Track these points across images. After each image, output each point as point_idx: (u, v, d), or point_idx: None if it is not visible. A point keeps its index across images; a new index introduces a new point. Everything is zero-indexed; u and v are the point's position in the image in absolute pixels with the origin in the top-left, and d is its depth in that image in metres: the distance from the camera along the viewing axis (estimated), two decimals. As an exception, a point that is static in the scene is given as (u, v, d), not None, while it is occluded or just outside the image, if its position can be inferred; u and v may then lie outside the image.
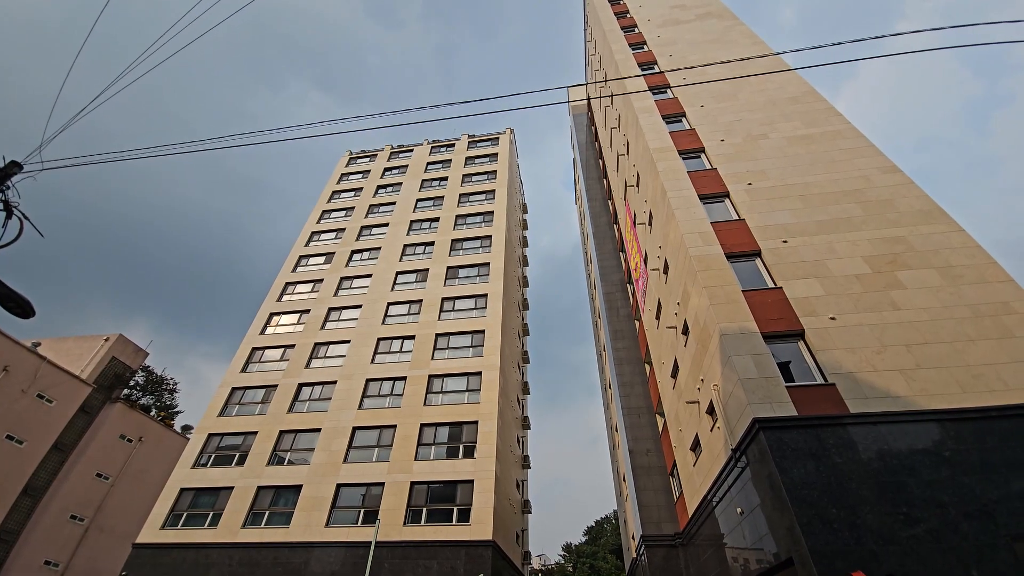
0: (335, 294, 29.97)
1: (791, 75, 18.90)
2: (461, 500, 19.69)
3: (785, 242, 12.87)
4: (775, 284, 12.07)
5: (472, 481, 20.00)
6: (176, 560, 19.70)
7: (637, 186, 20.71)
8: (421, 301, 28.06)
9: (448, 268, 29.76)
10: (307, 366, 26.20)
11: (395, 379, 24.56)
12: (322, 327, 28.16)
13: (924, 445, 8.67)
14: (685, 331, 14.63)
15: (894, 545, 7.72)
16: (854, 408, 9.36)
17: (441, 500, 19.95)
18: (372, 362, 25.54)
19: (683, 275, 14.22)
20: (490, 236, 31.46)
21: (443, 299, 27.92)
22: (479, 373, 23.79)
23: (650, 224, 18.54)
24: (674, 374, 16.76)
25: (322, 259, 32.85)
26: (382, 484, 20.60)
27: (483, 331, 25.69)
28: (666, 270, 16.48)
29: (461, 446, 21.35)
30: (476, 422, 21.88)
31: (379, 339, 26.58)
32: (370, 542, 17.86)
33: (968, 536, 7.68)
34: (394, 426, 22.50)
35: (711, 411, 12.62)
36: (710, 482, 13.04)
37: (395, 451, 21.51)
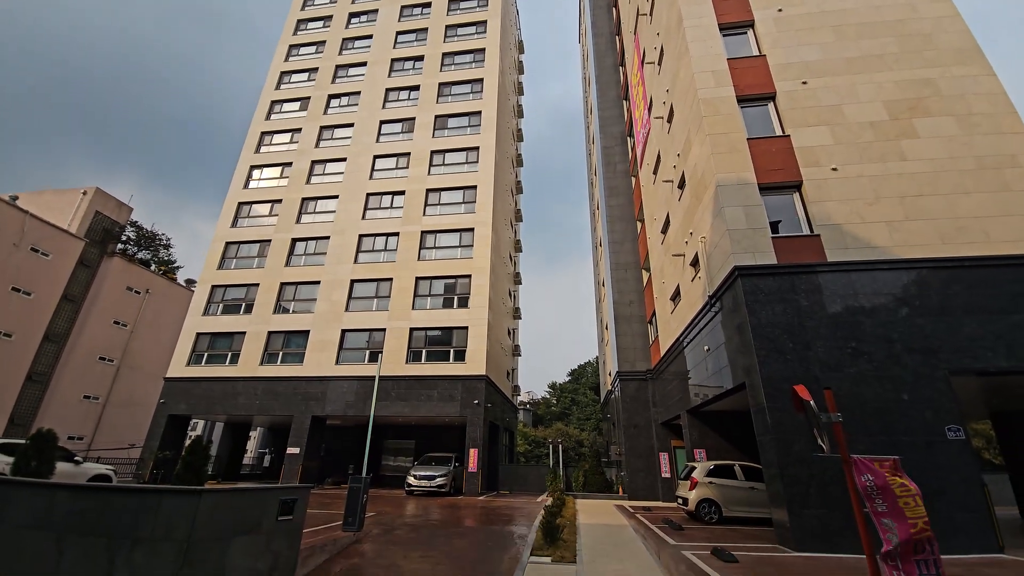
0: (316, 145, 28.16)
1: None
2: (457, 343, 21.59)
3: (805, 83, 11.67)
4: (783, 132, 11.32)
5: (467, 327, 21.66)
6: (207, 389, 22.31)
7: (650, 14, 17.94)
8: (409, 154, 26.59)
9: (436, 117, 27.48)
10: (298, 221, 26.01)
11: (388, 235, 24.68)
12: (307, 181, 27.14)
13: (889, 291, 9.20)
14: (681, 184, 14.24)
15: (837, 372, 8.74)
16: (832, 258, 9.66)
17: (439, 343, 21.86)
18: (363, 218, 25.32)
19: (688, 122, 13.23)
20: (481, 80, 28.34)
21: (432, 152, 26.44)
22: (471, 229, 23.86)
23: (659, 63, 16.57)
24: (664, 229, 16.88)
25: (296, 105, 30.00)
26: (383, 330, 22.30)
27: (475, 187, 24.97)
28: (670, 118, 15.29)
29: (456, 297, 22.56)
30: (469, 276, 22.74)
31: (368, 194, 25.90)
32: (377, 376, 20.14)
33: (908, 367, 8.66)
34: (390, 279, 23.39)
35: (695, 263, 13.03)
36: (684, 326, 14.17)
37: (393, 301, 22.76)
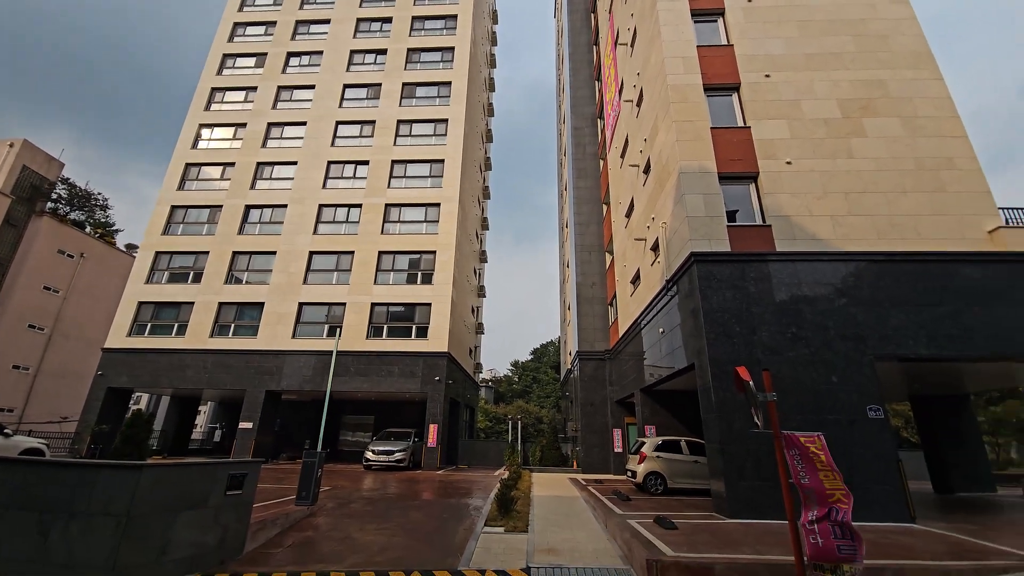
0: (273, 106, 26.52)
1: None
2: (419, 320, 21.41)
3: (768, 76, 11.99)
4: (745, 123, 11.64)
5: (430, 304, 21.48)
6: (151, 362, 21.16)
7: (625, -5, 17.75)
8: (374, 122, 25.54)
9: (404, 85, 26.41)
10: (252, 187, 24.63)
11: (350, 206, 23.84)
12: (263, 145, 25.63)
13: (828, 281, 9.82)
14: (647, 170, 14.46)
15: (778, 356, 9.33)
16: (781, 248, 10.17)
17: (401, 319, 21.60)
18: (324, 187, 24.29)
19: (656, 107, 13.35)
20: (452, 49, 27.37)
21: (399, 121, 25.50)
22: (437, 205, 23.41)
23: (632, 45, 16.52)
24: (628, 213, 17.18)
25: (252, 61, 27.98)
26: (344, 304, 21.76)
27: (442, 160, 24.39)
28: (640, 102, 15.37)
29: (420, 273, 22.24)
30: (434, 252, 22.43)
31: (329, 162, 24.80)
32: (339, 351, 19.71)
33: (840, 352, 9.34)
34: (352, 252, 22.73)
35: (655, 247, 13.39)
36: (642, 308, 14.64)
37: (354, 275, 22.18)
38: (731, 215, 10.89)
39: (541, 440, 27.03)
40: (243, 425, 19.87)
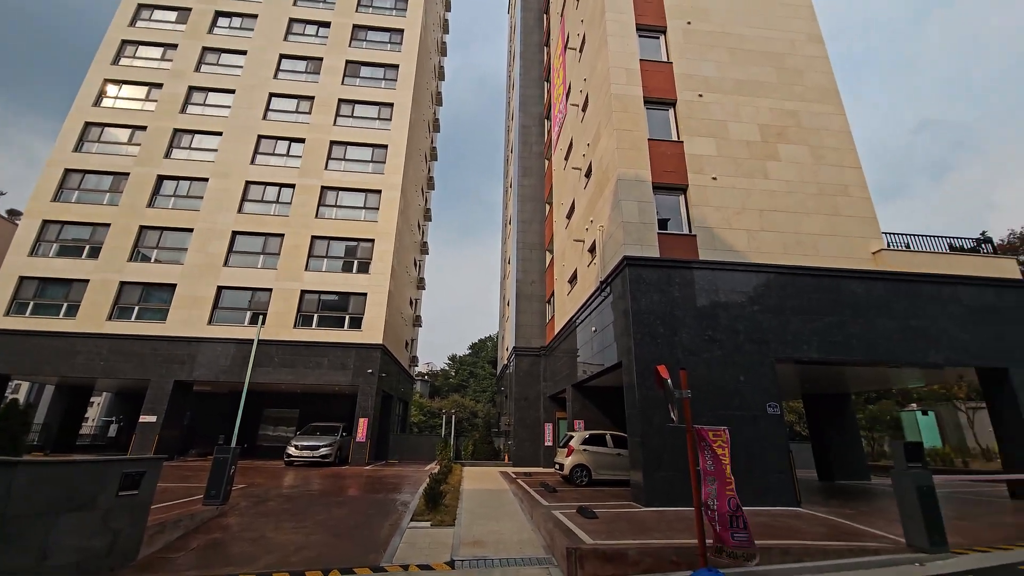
0: (197, 69, 24.12)
1: None
2: (354, 310, 20.59)
3: (701, 96, 12.85)
4: (679, 138, 12.41)
5: (365, 294, 20.72)
6: (33, 345, 18.51)
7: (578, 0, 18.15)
8: (313, 99, 24.07)
9: (348, 63, 25.13)
10: (167, 156, 22.29)
11: (282, 185, 22.34)
12: (183, 110, 23.25)
13: (742, 289, 10.77)
14: (588, 174, 14.95)
15: (695, 356, 10.10)
16: (703, 256, 10.99)
17: (333, 309, 20.64)
18: (253, 162, 22.53)
19: (600, 114, 13.83)
20: (402, 31, 26.46)
21: (340, 100, 24.24)
22: (378, 192, 22.60)
23: (581, 50, 16.95)
24: (569, 215, 17.67)
25: (172, 15, 25.23)
26: (270, 290, 20.38)
27: (385, 146, 23.56)
28: (585, 107, 15.83)
29: (356, 261, 21.36)
30: (372, 240, 21.65)
31: (260, 136, 23.05)
32: (262, 340, 18.43)
33: (747, 354, 10.29)
34: (282, 235, 21.33)
35: (592, 249, 13.91)
36: (578, 307, 15.16)
37: (283, 260, 20.84)
38: (662, 223, 11.58)
39: (474, 434, 27.16)
40: (145, 419, 18.00)
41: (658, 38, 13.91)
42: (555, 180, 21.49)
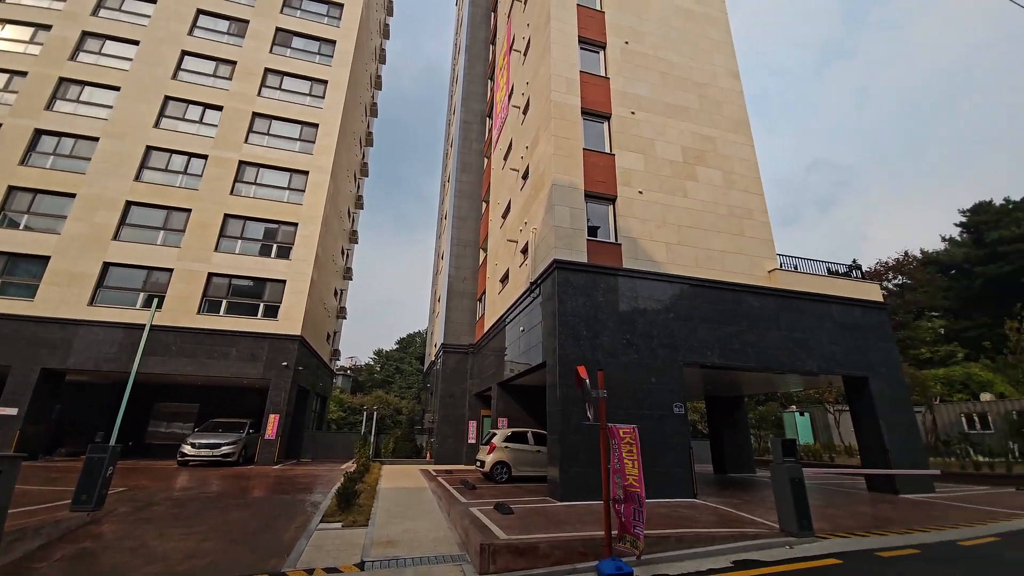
0: (94, 12, 21.05)
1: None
2: (270, 297, 19.15)
3: (633, 113, 13.62)
4: (611, 151, 13.04)
5: (284, 281, 19.36)
6: None
7: (524, 3, 18.36)
8: (235, 63, 22.01)
9: (278, 30, 23.30)
10: (49, 107, 19.22)
11: (192, 155, 20.18)
12: (72, 57, 20.17)
13: (658, 298, 11.59)
14: (525, 176, 15.20)
15: (614, 358, 10.69)
16: (627, 264, 11.67)
17: (247, 295, 19.03)
18: (157, 125, 20.11)
19: (540, 119, 14.12)
20: (342, 5, 25.05)
21: (267, 70, 22.42)
22: (305, 173, 21.23)
23: (525, 54, 17.18)
24: (505, 214, 17.85)
25: (64, -54, 21.73)
26: (170, 270, 18.32)
27: (316, 125, 22.18)
28: (526, 110, 16.08)
29: (276, 245, 19.88)
30: (296, 224, 20.28)
31: (167, 97, 20.65)
32: (158, 326, 16.48)
33: (660, 358, 11.09)
34: (188, 210, 19.27)
35: (525, 250, 14.17)
36: (507, 306, 15.37)
37: (189, 238, 18.84)
38: (592, 230, 12.11)
39: (396, 431, 26.46)
40: (3, 411, 15.36)
41: (598, 53, 14.51)
42: (493, 179, 21.59)
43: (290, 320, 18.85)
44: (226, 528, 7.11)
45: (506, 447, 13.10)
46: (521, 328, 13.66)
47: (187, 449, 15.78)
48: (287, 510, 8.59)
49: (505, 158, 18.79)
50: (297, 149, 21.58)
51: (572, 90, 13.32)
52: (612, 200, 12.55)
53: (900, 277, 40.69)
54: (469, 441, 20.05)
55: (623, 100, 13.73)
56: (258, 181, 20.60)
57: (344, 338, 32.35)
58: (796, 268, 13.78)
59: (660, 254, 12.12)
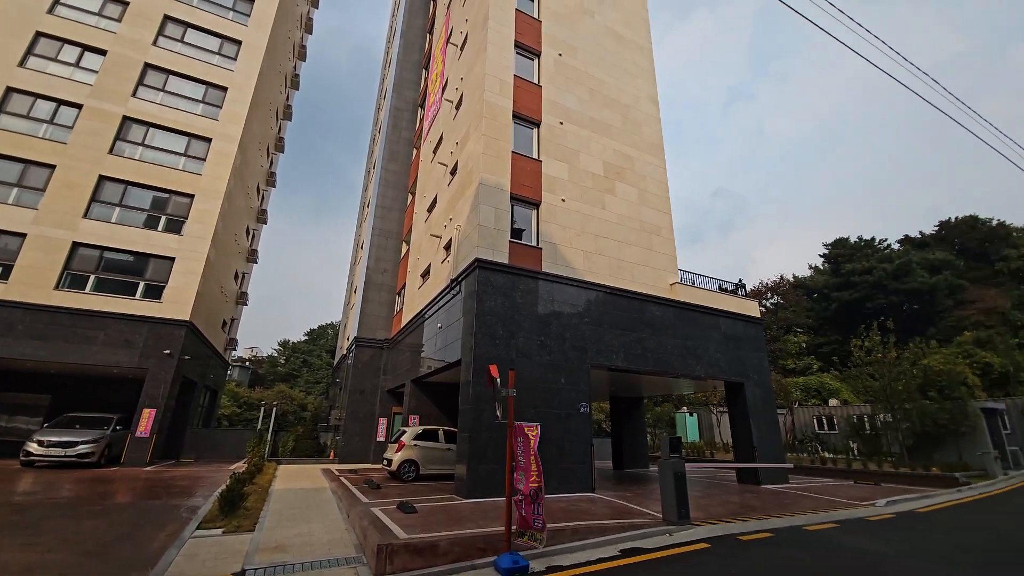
0: (-72, -91, 16.97)
1: (638, -34, 18.90)
2: (154, 276, 16.89)
3: (561, 124, 14.13)
4: (538, 157, 13.42)
5: (173, 259, 17.20)
6: None
7: (464, -2, 18.20)
8: (128, 4, 19.11)
9: (184, -24, 20.61)
10: None
11: (63, 103, 17.19)
12: None
13: (573, 302, 12.16)
14: (454, 171, 15.08)
15: (528, 359, 11.01)
16: (546, 268, 12.09)
17: (124, 271, 16.60)
18: (23, 65, 16.83)
19: (471, 116, 14.09)
20: (264, -37, 22.82)
21: (167, 17, 19.80)
22: (208, 140, 19.05)
23: (462, 48, 17.03)
24: (431, 208, 17.54)
25: None
26: (23, 235, 15.42)
27: (225, 88, 20.02)
28: (459, 106, 15.95)
29: (165, 217, 17.58)
30: (192, 196, 18.11)
31: (39, 33, 17.43)
32: (0, 300, 13.77)
33: (570, 360, 11.62)
34: (53, 166, 16.37)
35: (448, 247, 14.05)
36: (427, 302, 15.12)
37: (51, 199, 16.01)
38: (516, 232, 12.35)
39: (297, 429, 24.72)
40: None
41: (533, 60, 14.84)
42: (421, 171, 21.10)
43: (178, 303, 16.79)
44: (78, 538, 6.15)
45: (416, 445, 12.87)
46: (439, 325, 13.52)
47: (33, 448, 13.33)
48: (156, 517, 7.65)
49: (435, 151, 18.46)
50: (199, 112, 19.28)
51: (505, 92, 13.48)
52: (536, 205, 12.91)
53: (776, 297, 46.98)
54: (378, 439, 19.38)
55: (553, 109, 14.19)
56: (147, 143, 18.07)
57: (244, 326, 29.55)
58: (694, 283, 15.24)
59: (578, 261, 12.72)
